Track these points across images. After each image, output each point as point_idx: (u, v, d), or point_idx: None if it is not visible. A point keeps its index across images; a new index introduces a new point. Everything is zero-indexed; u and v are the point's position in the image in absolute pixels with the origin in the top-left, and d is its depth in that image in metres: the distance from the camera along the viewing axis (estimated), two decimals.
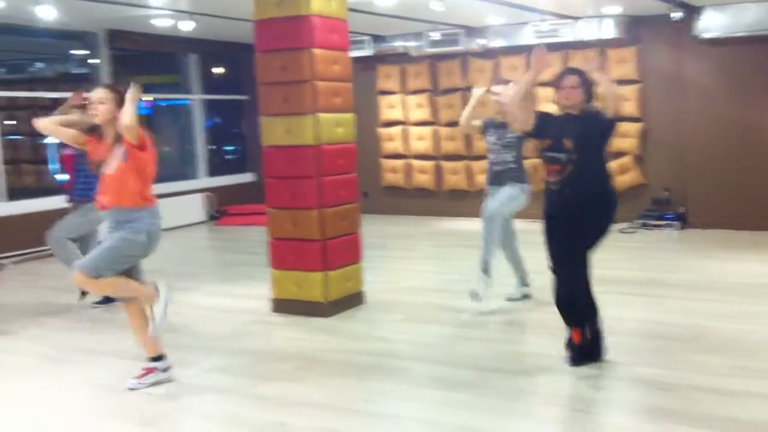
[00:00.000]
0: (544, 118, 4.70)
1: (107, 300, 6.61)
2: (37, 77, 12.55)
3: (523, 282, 6.40)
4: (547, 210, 4.72)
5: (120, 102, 4.35)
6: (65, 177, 6.96)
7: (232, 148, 14.42)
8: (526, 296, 6.37)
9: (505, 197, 6.08)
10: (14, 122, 11.23)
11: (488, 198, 6.19)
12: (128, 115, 4.23)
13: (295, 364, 5.06)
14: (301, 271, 6.21)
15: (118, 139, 4.38)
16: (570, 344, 4.74)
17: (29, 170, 12.25)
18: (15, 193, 9.77)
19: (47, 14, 7.76)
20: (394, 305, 6.48)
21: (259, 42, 6.17)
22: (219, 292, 7.29)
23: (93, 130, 4.53)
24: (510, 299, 6.35)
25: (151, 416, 4.28)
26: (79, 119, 4.87)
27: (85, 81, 11.88)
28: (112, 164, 4.41)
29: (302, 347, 5.45)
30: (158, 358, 4.71)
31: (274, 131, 6.18)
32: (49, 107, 12.21)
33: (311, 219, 6.12)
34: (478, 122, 6.34)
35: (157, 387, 4.64)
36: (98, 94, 4.37)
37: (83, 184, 6.54)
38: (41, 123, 4.71)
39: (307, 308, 6.17)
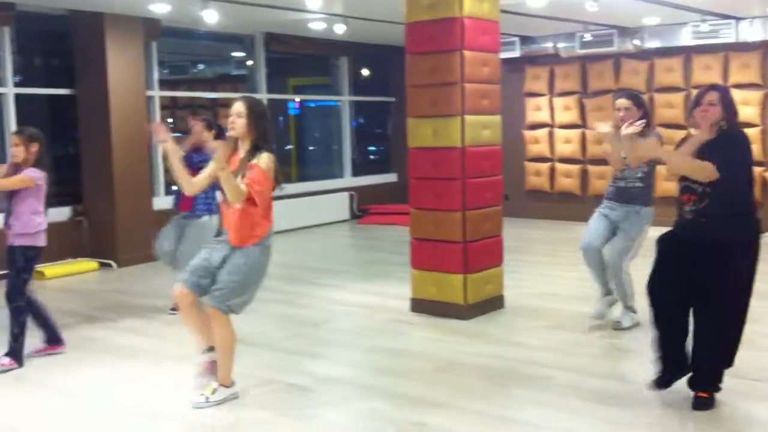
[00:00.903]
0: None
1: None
2: (197, 78, 13.24)
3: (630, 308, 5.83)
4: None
5: (254, 117, 4.32)
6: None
7: (374, 148, 14.62)
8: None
9: (621, 243, 5.59)
10: (172, 120, 11.88)
11: (601, 213, 5.82)
12: (229, 193, 4.18)
13: (433, 365, 5.07)
14: (442, 273, 6.21)
15: (251, 156, 4.32)
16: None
17: None
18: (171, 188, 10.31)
19: (211, 18, 8.15)
20: (536, 311, 6.36)
21: (409, 44, 6.22)
22: (360, 289, 7.41)
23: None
24: (617, 328, 5.77)
25: (288, 407, 4.40)
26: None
27: (242, 82, 12.44)
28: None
29: (440, 348, 5.44)
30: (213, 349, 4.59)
31: (420, 133, 6.21)
32: (207, 107, 12.90)
33: (454, 221, 6.11)
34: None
35: (306, 378, 4.76)
36: (237, 108, 4.34)
37: (204, 198, 6.32)
38: (197, 186, 4.58)
39: (445, 310, 6.16)
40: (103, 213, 8.90)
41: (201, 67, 13.19)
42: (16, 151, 5.19)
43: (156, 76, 9.71)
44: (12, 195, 5.17)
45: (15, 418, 4.34)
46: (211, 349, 4.56)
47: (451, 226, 6.14)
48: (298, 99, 13.20)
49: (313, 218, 11.79)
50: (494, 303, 6.36)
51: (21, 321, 5.19)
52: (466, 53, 6.01)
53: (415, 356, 5.31)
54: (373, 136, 14.51)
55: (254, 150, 4.31)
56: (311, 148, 14.16)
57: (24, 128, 5.35)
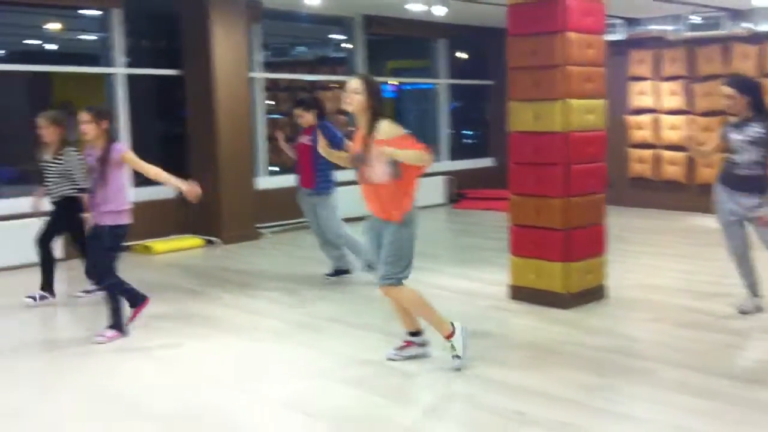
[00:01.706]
0: None
1: (339, 272, 7.05)
2: (298, 60, 13.41)
3: (755, 293, 5.76)
4: None
5: (371, 93, 4.49)
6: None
7: (470, 132, 14.48)
8: (759, 308, 5.74)
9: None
10: (273, 102, 12.08)
11: (726, 202, 5.57)
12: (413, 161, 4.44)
13: (532, 353, 5.00)
14: (541, 260, 6.10)
15: (371, 131, 4.49)
16: None
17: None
18: (274, 168, 10.51)
19: (313, 0, 8.23)
20: (639, 303, 6.19)
21: (511, 25, 6.11)
22: (459, 274, 7.38)
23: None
24: (743, 311, 5.70)
25: (392, 389, 4.43)
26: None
27: (340, 65, 12.53)
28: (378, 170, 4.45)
29: (540, 337, 5.37)
30: (416, 333, 4.86)
31: (521, 117, 6.11)
32: (306, 89, 13.07)
33: (555, 207, 5.99)
34: (708, 146, 5.87)
35: (406, 362, 4.79)
36: (353, 85, 4.50)
37: (324, 175, 6.83)
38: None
39: (545, 298, 6.06)
40: (209, 191, 9.09)
41: (301, 49, 13.36)
42: (87, 128, 5.23)
43: (258, 58, 9.89)
44: (99, 174, 5.23)
45: (120, 384, 4.53)
46: (413, 334, 4.84)
47: (551, 212, 6.02)
48: (395, 82, 13.19)
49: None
50: (595, 293, 6.22)
51: (117, 297, 5.35)
52: (569, 35, 5.85)
53: (513, 344, 5.25)
54: (468, 119, 14.39)
55: (372, 125, 4.49)
56: (406, 131, 14.12)
57: (93, 105, 5.39)
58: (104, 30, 8.86)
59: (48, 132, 6.15)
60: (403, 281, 4.63)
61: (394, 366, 4.75)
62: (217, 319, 5.91)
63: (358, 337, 5.39)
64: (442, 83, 12.83)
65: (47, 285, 6.38)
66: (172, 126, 10.38)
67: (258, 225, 9.53)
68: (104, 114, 5.29)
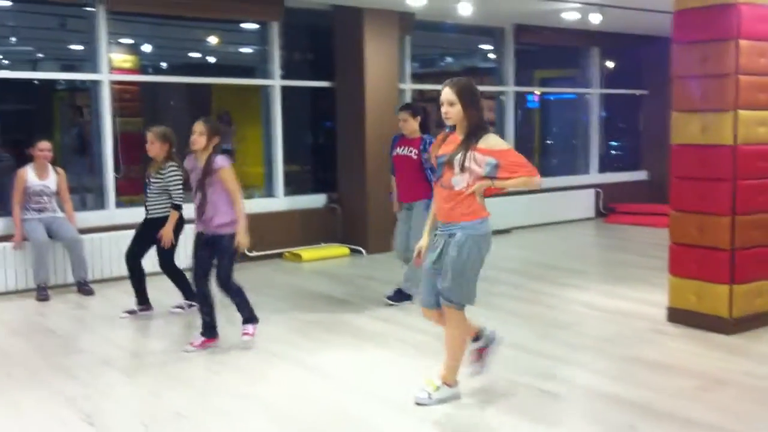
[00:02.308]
0: None
1: (403, 297, 6.66)
2: (444, 71, 13.38)
3: None
4: None
5: (468, 101, 4.16)
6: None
7: (615, 143, 13.93)
8: None
9: None
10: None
11: None
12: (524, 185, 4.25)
13: (696, 383, 4.68)
14: (704, 282, 5.74)
15: (468, 143, 4.17)
16: None
17: None
18: None
19: (465, 10, 8.17)
20: None
21: (677, 32, 5.80)
22: (610, 292, 7.07)
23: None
24: None
25: (535, 412, 4.27)
26: None
27: (488, 75, 12.39)
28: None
29: (702, 364, 5.02)
30: (478, 337, 4.57)
31: (687, 128, 5.77)
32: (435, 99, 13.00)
33: (721, 226, 5.62)
34: None
35: (546, 382, 4.62)
36: (447, 96, 4.16)
37: (428, 188, 6.18)
38: None
39: (706, 322, 5.69)
40: (356, 201, 9.26)
41: (449, 60, 13.32)
42: (198, 140, 5.24)
43: (408, 69, 9.93)
44: (207, 186, 5.24)
45: (268, 392, 4.60)
46: (475, 339, 4.56)
47: (717, 231, 5.65)
48: (537, 92, 12.89)
49: (556, 214, 11.51)
50: (764, 318, 5.78)
51: (242, 299, 5.43)
52: (742, 42, 5.49)
53: (674, 371, 4.94)
54: (615, 130, 13.86)
55: (474, 133, 4.16)
56: (548, 141, 13.82)
57: (208, 118, 5.39)
58: (262, 43, 9.15)
59: (153, 147, 6.12)
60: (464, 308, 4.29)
61: (543, 387, 4.58)
62: (365, 330, 5.93)
63: (504, 356, 5.24)
64: (594, 93, 12.42)
65: (142, 299, 6.41)
66: (317, 136, 10.61)
67: None
68: (216, 129, 5.31)
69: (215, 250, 5.32)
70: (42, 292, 6.93)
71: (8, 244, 7.11)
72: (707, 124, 5.62)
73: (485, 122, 4.28)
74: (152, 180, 6.18)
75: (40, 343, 5.62)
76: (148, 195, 6.25)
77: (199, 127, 5.23)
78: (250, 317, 5.49)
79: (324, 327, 5.97)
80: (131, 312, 6.38)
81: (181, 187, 6.15)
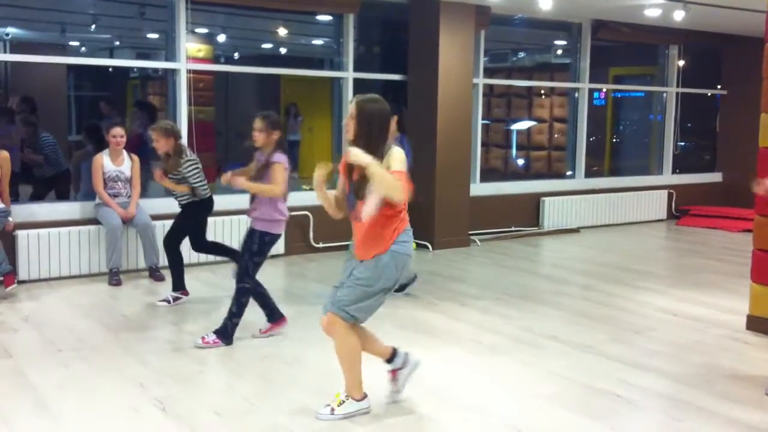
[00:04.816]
0: None
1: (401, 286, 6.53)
2: (516, 66, 13.21)
3: None
4: None
5: (365, 120, 3.85)
6: None
7: (683, 143, 13.49)
8: None
9: None
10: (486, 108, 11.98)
11: None
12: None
13: None
14: None
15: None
16: None
17: (498, 154, 13.01)
18: (484, 174, 10.38)
19: (545, 4, 8.00)
20: None
21: None
22: (686, 298, 6.85)
23: None
24: None
25: (607, 417, 4.15)
26: None
27: (559, 71, 12.18)
28: None
29: None
30: (391, 358, 4.29)
31: None
32: (523, 95, 12.83)
33: None
34: None
35: (622, 387, 4.49)
36: (350, 109, 3.91)
37: None
38: None
39: None
40: (424, 195, 9.17)
41: (521, 55, 13.13)
42: (258, 137, 5.22)
43: (481, 64, 9.81)
44: (261, 179, 5.19)
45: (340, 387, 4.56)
46: (388, 360, 4.28)
47: None
48: (604, 89, 12.57)
49: (628, 215, 11.26)
50: None
51: (242, 302, 5.27)
52: None
53: (753, 381, 4.74)
54: (684, 130, 13.45)
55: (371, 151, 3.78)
56: (615, 140, 13.48)
57: (269, 114, 5.31)
58: (337, 35, 9.14)
59: (159, 144, 6.08)
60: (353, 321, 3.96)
61: (616, 392, 4.45)
62: (432, 326, 5.87)
63: (577, 358, 5.13)
64: (671, 91, 12.07)
65: (179, 285, 6.46)
66: None
67: (469, 232, 9.44)
68: (276, 124, 5.29)
69: (245, 242, 5.30)
70: (114, 277, 7.06)
71: (83, 229, 7.25)
72: None
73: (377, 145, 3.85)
74: (171, 177, 6.14)
75: (114, 328, 5.71)
76: (174, 192, 6.29)
77: (257, 123, 5.21)
78: (221, 332, 5.28)
79: (390, 322, 5.90)
80: (167, 300, 6.43)
81: (200, 178, 6.19)
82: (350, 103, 3.99)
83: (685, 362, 5.09)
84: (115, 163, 7.27)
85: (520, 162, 13.14)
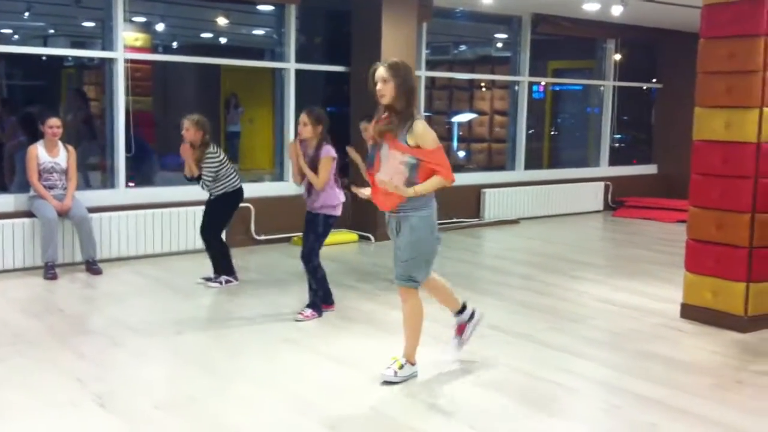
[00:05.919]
0: None
1: None
2: (457, 59, 13.28)
3: None
4: None
5: (402, 84, 4.25)
6: None
7: (619, 136, 13.80)
8: None
9: None
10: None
11: None
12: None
13: (713, 381, 4.63)
14: (720, 279, 5.69)
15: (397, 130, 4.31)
16: None
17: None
18: None
19: None
20: None
21: (705, 27, 5.70)
22: (623, 287, 7.01)
23: None
24: None
25: (543, 403, 4.23)
26: None
27: (500, 64, 12.31)
28: None
29: (718, 362, 4.98)
30: (462, 310, 4.84)
31: (710, 125, 5.69)
32: (464, 88, 12.91)
33: (741, 223, 5.56)
34: None
35: (563, 375, 4.57)
36: (381, 72, 4.25)
37: None
38: None
39: (721, 319, 5.65)
40: (365, 188, 9.16)
41: (462, 48, 13.21)
42: (304, 130, 5.61)
43: (423, 56, 9.84)
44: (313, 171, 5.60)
45: (291, 380, 4.55)
46: (458, 312, 4.82)
47: (736, 228, 5.59)
48: (543, 83, 12.76)
49: (566, 206, 11.46)
50: None
51: (318, 277, 5.76)
52: None
53: (690, 368, 4.88)
54: (620, 123, 13.75)
55: (402, 120, 4.24)
56: (553, 132, 13.70)
57: (314, 108, 5.69)
58: (278, 25, 9.05)
59: (189, 133, 6.41)
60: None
61: (555, 380, 4.53)
62: (375, 318, 5.88)
63: (518, 347, 5.20)
64: (608, 85, 12.31)
65: (227, 270, 6.69)
66: (330, 122, 10.50)
67: None
68: (322, 118, 5.62)
69: (309, 226, 5.68)
70: (50, 271, 6.88)
71: (17, 222, 7.04)
72: (732, 120, 5.55)
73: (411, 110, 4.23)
74: (200, 167, 6.46)
75: (50, 323, 5.58)
76: (205, 182, 6.51)
77: (303, 117, 5.59)
78: (313, 302, 5.77)
79: (336, 313, 5.92)
80: (207, 279, 6.73)
81: (227, 168, 6.51)
82: (377, 69, 4.16)
83: (623, 350, 5.21)
84: (50, 154, 7.08)
85: (461, 154, 13.24)
